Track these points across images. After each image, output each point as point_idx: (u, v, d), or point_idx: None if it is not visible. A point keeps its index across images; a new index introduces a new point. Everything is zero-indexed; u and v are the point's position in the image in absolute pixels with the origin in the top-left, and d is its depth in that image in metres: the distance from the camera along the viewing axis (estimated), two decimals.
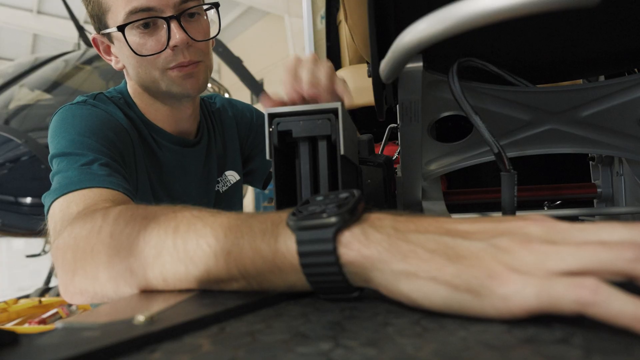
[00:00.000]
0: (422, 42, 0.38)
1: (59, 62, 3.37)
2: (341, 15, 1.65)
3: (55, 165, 0.70)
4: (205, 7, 0.84)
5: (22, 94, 3.05)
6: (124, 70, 0.87)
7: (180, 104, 0.87)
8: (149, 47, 0.78)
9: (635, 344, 0.23)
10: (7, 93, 3.01)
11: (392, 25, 0.55)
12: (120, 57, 0.84)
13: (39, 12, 8.63)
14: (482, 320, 0.27)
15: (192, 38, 0.78)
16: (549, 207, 0.98)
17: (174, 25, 0.77)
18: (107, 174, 0.66)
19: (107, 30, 0.80)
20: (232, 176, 1.03)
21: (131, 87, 0.88)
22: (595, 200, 0.88)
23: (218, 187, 1.00)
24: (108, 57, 0.86)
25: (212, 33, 0.85)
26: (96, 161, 0.68)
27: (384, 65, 0.47)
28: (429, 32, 0.36)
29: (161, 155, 0.89)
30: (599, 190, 0.85)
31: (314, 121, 0.46)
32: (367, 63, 0.65)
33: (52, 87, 3.15)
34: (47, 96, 3.08)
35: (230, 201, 1.03)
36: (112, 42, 0.83)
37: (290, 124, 0.46)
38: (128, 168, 0.77)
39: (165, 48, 0.77)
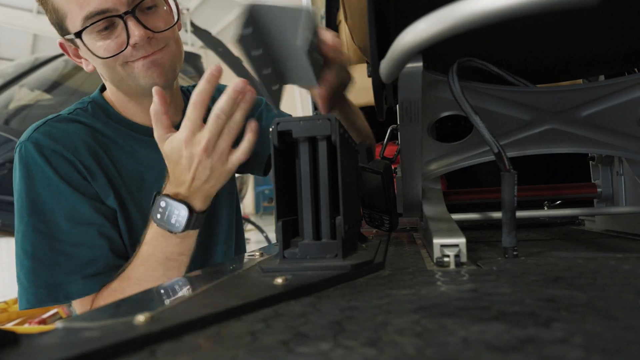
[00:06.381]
0: (422, 42, 0.38)
1: (59, 62, 3.37)
2: (341, 15, 1.65)
3: (29, 234, 0.78)
4: None
5: (22, 94, 3.05)
6: (98, 71, 0.86)
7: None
8: (110, 49, 0.77)
9: (635, 343, 0.23)
10: (7, 93, 3.01)
11: (392, 25, 0.55)
12: (88, 58, 0.84)
13: (39, 12, 8.63)
14: (482, 320, 0.27)
15: (151, 30, 0.78)
16: (549, 207, 0.97)
17: (131, 23, 0.76)
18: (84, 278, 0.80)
19: (69, 36, 0.79)
20: None
21: (108, 88, 0.90)
22: (595, 200, 0.88)
23: None
24: (79, 60, 0.86)
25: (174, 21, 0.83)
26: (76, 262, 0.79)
27: (384, 65, 0.47)
28: (429, 32, 0.36)
29: (138, 150, 0.89)
30: (599, 190, 0.85)
31: (314, 121, 0.46)
32: (367, 63, 0.65)
33: (52, 87, 3.15)
34: (47, 96, 3.08)
35: (222, 192, 1.03)
36: (78, 46, 0.82)
37: (290, 124, 0.46)
38: (100, 185, 0.82)
39: (126, 47, 0.77)
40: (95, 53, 0.78)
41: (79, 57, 0.85)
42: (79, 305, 0.83)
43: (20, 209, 0.79)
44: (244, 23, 0.48)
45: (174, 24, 0.82)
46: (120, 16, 0.76)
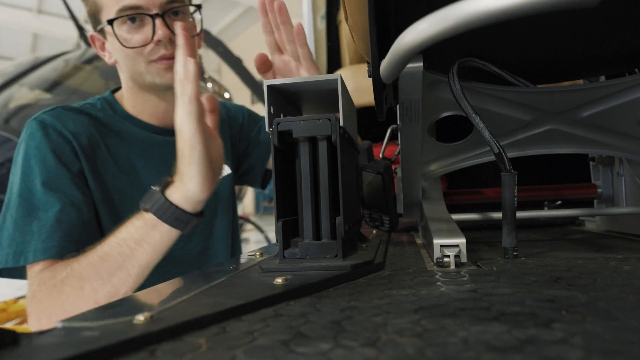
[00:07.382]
0: (423, 42, 0.37)
1: (59, 62, 3.37)
2: (341, 15, 1.65)
3: (15, 204, 0.81)
4: (191, 8, 0.94)
5: (22, 94, 3.05)
6: (117, 65, 0.95)
7: (166, 95, 0.95)
8: (135, 41, 0.87)
9: (635, 344, 0.23)
10: (7, 92, 3.01)
11: (392, 25, 0.55)
12: (112, 51, 0.93)
13: (39, 11, 8.64)
14: (482, 320, 0.27)
15: (174, 34, 0.85)
16: (549, 207, 0.97)
17: (158, 22, 0.86)
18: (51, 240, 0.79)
19: (101, 26, 0.89)
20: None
21: (123, 82, 0.97)
22: (595, 201, 0.88)
23: None
24: (103, 53, 0.96)
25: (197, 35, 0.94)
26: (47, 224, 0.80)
27: (384, 65, 0.47)
28: (429, 32, 0.36)
29: (138, 144, 0.95)
30: (599, 190, 0.85)
31: (314, 121, 0.46)
32: (367, 63, 0.65)
33: (52, 86, 3.15)
34: (47, 96, 3.08)
35: (221, 192, 1.06)
36: (106, 38, 0.92)
37: (290, 124, 0.46)
38: (91, 165, 0.87)
39: (150, 42, 0.86)
40: (122, 42, 0.87)
41: (104, 50, 0.95)
42: (30, 273, 0.79)
43: (13, 175, 0.84)
44: (268, 103, 0.48)
45: (195, 35, 0.93)
46: (150, 15, 0.86)
